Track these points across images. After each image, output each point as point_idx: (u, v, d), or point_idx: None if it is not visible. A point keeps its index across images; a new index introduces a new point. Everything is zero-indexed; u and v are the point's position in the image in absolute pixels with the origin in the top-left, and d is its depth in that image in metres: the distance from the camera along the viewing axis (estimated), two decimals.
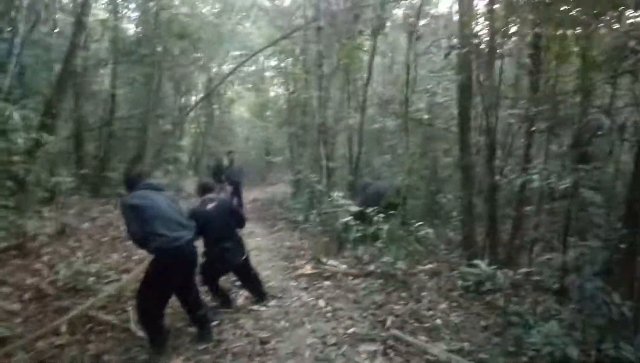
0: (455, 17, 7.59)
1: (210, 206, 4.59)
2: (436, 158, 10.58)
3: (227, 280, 5.51)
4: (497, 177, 6.38)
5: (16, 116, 4.75)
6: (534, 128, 5.98)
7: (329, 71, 11.05)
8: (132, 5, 11.02)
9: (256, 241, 8.48)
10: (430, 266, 6.59)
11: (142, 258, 6.63)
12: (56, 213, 7.85)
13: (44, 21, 7.75)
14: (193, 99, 25.49)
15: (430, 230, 6.83)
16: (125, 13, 11.34)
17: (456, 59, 6.45)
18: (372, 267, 6.13)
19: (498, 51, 5.83)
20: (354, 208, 7.18)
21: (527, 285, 5.64)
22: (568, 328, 3.46)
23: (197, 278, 4.30)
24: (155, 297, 3.71)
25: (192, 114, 27.02)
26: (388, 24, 9.05)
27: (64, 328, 3.91)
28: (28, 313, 4.10)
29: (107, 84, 12.26)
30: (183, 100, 20.52)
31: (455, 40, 5.27)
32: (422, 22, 8.64)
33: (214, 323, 4.45)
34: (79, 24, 7.02)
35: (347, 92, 12.01)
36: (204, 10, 18.99)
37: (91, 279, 5.10)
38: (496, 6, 5.31)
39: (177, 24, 10.85)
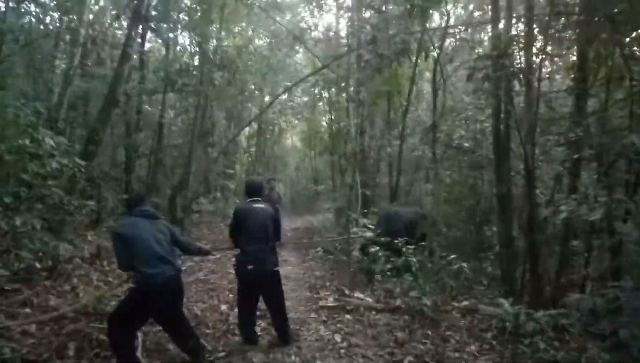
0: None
1: (255, 205, 4.51)
2: (480, 188, 10.07)
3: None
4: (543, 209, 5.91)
5: (48, 140, 5.02)
6: (577, 156, 5.51)
7: (368, 98, 10.95)
8: (180, 37, 11.56)
9: (287, 269, 8.35)
10: (465, 303, 6.14)
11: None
12: (98, 236, 8.17)
13: (92, 54, 8.34)
14: (246, 129, 26.43)
15: (464, 264, 6.40)
16: (170, 45, 11.93)
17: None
18: (398, 302, 5.79)
19: (535, 74, 5.46)
20: (369, 234, 6.89)
21: (572, 329, 5.11)
22: None
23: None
24: (124, 325, 3.67)
25: (244, 144, 28.09)
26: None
27: (71, 352, 3.94)
28: (42, 335, 4.18)
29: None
30: (234, 130, 21.15)
31: (486, 63, 4.97)
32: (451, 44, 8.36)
33: (221, 354, 4.33)
34: (124, 55, 7.45)
35: (388, 121, 11.86)
36: (257, 42, 19.80)
37: (113, 303, 5.15)
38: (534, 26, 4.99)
39: (221, 55, 11.26)
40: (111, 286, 5.90)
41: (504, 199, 6.17)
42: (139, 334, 4.36)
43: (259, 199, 4.60)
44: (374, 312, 5.62)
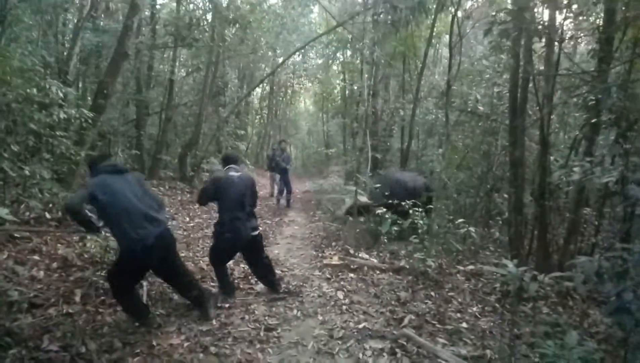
0: None
1: (233, 174, 4.55)
2: (494, 154, 9.87)
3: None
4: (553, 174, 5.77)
5: (56, 90, 4.96)
6: (595, 120, 5.30)
7: (382, 59, 10.66)
8: None
9: (293, 229, 8.41)
10: (470, 267, 6.13)
11: (177, 238, 6.78)
12: None
13: (102, 6, 8.17)
14: (258, 89, 26.13)
15: (472, 229, 6.35)
16: None
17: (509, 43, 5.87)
18: (403, 263, 5.79)
19: (558, 32, 5.20)
20: (363, 199, 6.84)
21: (576, 294, 5.08)
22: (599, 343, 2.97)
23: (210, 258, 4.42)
24: (122, 281, 3.65)
25: (256, 105, 27.84)
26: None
27: (77, 298, 4.02)
28: (50, 281, 4.26)
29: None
30: (246, 90, 20.89)
31: (506, 17, 4.72)
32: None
33: (225, 305, 4.40)
34: (132, 7, 7.27)
35: (402, 83, 11.57)
36: (270, 1, 19.26)
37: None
38: None
39: (233, 10, 10.97)
40: None
41: (517, 164, 6.02)
42: (144, 283, 4.43)
43: (236, 166, 4.67)
44: (377, 272, 5.63)
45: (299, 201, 12.65)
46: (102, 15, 9.12)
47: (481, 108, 8.66)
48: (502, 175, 9.49)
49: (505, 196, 8.86)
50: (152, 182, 10.39)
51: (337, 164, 17.90)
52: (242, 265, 5.59)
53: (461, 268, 6.07)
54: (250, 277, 5.19)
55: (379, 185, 7.52)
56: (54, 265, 4.71)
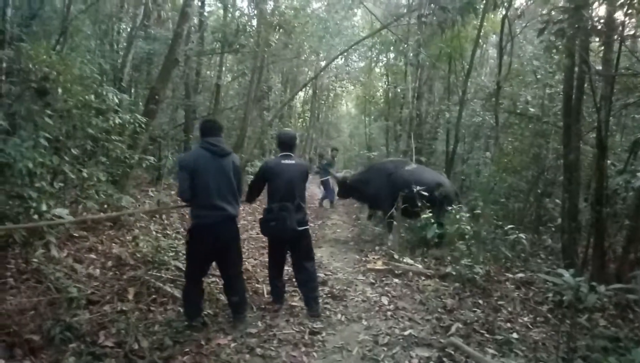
0: None
1: (286, 161, 4.23)
2: (545, 157, 9.47)
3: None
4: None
5: (112, 97, 5.22)
6: None
7: (427, 61, 10.50)
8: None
9: (336, 232, 8.41)
10: (520, 275, 5.90)
11: None
12: (158, 192, 8.56)
13: (154, 15, 8.52)
14: (300, 93, 26.39)
15: (522, 235, 6.11)
16: (229, 6, 11.92)
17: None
18: (449, 269, 5.65)
19: (617, 30, 4.92)
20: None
21: (637, 306, 4.78)
22: None
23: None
24: (189, 267, 3.82)
25: (299, 109, 28.13)
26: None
27: (130, 296, 4.19)
28: (105, 279, 4.46)
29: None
30: (289, 94, 21.14)
31: (562, 16, 4.52)
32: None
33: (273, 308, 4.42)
34: (182, 15, 7.52)
35: (447, 85, 11.34)
36: (314, 5, 19.41)
37: (170, 254, 5.40)
38: None
39: (278, 15, 11.14)
40: (169, 238, 6.20)
41: (572, 168, 5.74)
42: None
43: (291, 154, 4.30)
44: (423, 278, 5.53)
45: (341, 204, 12.64)
46: (154, 24, 9.49)
47: (532, 110, 8.32)
48: (554, 179, 9.11)
49: (557, 201, 8.51)
50: None
51: None
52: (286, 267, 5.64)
53: (510, 275, 5.85)
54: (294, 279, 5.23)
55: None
56: (109, 263, 4.93)
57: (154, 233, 6.09)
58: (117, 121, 5.43)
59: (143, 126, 6.12)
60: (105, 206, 6.21)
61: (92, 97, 5.16)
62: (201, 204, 3.64)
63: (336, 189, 12.03)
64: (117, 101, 5.34)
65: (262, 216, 4.24)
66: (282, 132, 4.56)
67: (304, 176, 4.32)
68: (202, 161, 3.61)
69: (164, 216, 7.33)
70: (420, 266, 6.03)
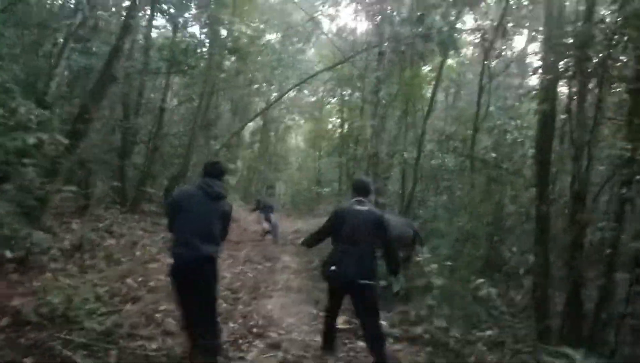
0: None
1: (359, 207, 3.97)
2: (500, 204, 9.34)
3: None
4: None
5: (24, 111, 4.24)
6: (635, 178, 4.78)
7: (386, 99, 10.21)
8: (188, 15, 10.73)
9: (288, 277, 7.58)
10: (489, 332, 5.39)
11: (158, 285, 5.94)
12: (82, 225, 7.40)
13: (90, 24, 7.57)
14: (250, 124, 25.70)
15: (493, 290, 5.64)
16: (179, 26, 11.13)
17: (538, 87, 5.39)
18: (419, 330, 5.01)
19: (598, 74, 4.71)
20: None
21: None
22: None
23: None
24: (180, 308, 3.65)
25: (247, 139, 27.33)
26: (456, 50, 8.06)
27: None
28: None
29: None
30: (239, 123, 20.42)
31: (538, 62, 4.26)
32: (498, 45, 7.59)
33: None
34: (125, 28, 6.67)
35: (404, 124, 11.09)
36: (268, 36, 19.09)
37: (87, 307, 4.38)
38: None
39: (233, 40, 10.50)
40: (86, 286, 5.14)
41: (545, 221, 5.40)
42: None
43: (364, 200, 4.03)
44: (391, 340, 4.84)
45: (291, 242, 11.84)
46: (89, 34, 8.44)
47: (494, 155, 8.14)
48: (511, 227, 8.94)
49: (513, 249, 8.29)
50: (134, 217, 9.53)
51: (330, 204, 17.21)
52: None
53: (480, 333, 5.33)
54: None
55: None
56: (3, 321, 3.84)
57: (66, 280, 4.98)
58: (31, 140, 4.41)
59: (64, 147, 5.10)
60: (12, 242, 5.08)
61: (0, 110, 4.14)
62: (178, 241, 3.57)
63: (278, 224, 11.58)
64: (31, 117, 4.34)
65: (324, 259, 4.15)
66: (358, 178, 4.96)
67: (378, 225, 3.97)
68: (191, 199, 3.61)
69: (86, 256, 6.21)
70: (385, 323, 5.34)
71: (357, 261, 3.81)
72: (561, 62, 4.87)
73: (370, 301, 3.88)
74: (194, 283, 3.51)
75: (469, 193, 9.20)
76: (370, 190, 4.21)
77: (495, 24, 8.27)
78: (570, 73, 4.46)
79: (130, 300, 5.21)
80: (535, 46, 12.60)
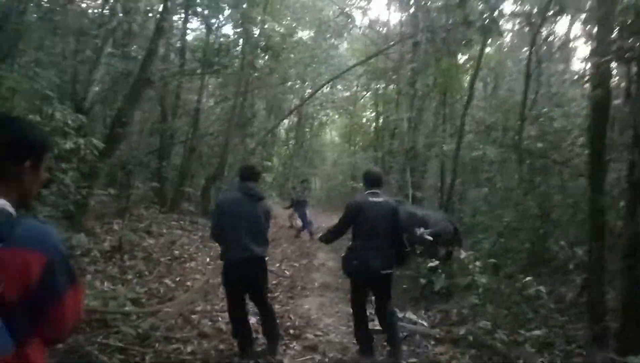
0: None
1: (374, 199, 4.00)
2: (547, 195, 8.85)
3: None
4: None
5: (60, 116, 4.30)
6: None
7: (423, 90, 9.89)
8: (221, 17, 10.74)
9: (325, 276, 7.46)
10: (537, 332, 5.08)
11: (195, 284, 5.96)
12: (122, 226, 7.55)
13: (124, 29, 7.69)
14: (285, 121, 25.79)
15: (542, 288, 5.31)
16: (212, 27, 11.18)
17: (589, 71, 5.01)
18: (462, 331, 4.77)
19: None
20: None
21: None
22: None
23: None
24: (227, 303, 4.03)
25: (283, 136, 27.44)
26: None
27: None
28: None
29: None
30: (274, 121, 20.50)
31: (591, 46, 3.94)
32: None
33: None
34: (158, 31, 6.71)
35: (442, 116, 10.73)
36: (300, 33, 19.01)
37: (127, 308, 4.42)
38: None
39: (265, 38, 10.46)
40: (127, 286, 5.20)
41: (601, 215, 5.01)
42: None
43: (378, 192, 4.06)
44: (432, 342, 4.63)
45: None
46: (122, 38, 8.60)
47: (539, 145, 7.70)
48: (560, 220, 8.47)
49: (562, 243, 7.84)
50: (173, 216, 9.68)
51: None
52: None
53: (527, 334, 5.03)
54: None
55: None
56: None
57: (105, 283, 5.05)
58: (68, 145, 4.48)
59: (98, 152, 5.16)
60: None
61: (37, 116, 4.21)
62: (231, 243, 3.81)
63: (313, 219, 11.57)
64: (69, 121, 4.39)
65: (344, 256, 4.19)
66: (369, 169, 4.77)
67: (394, 213, 4.08)
68: (235, 203, 3.86)
69: (125, 257, 6.31)
70: (425, 324, 5.15)
71: (378, 253, 3.89)
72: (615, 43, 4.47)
73: (388, 287, 4.13)
74: (248, 282, 3.88)
75: (512, 185, 8.80)
76: (383, 181, 4.30)
77: (536, 8, 7.85)
78: (629, 54, 4.06)
79: (166, 300, 5.24)
80: (577, 29, 11.95)
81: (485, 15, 5.52)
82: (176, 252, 7.39)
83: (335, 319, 5.32)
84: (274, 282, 6.77)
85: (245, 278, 3.83)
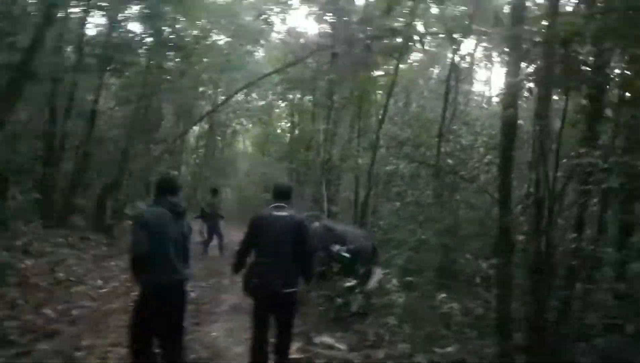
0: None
1: (277, 213, 3.74)
2: (454, 210, 9.21)
3: None
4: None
5: None
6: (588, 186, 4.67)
7: (339, 103, 9.83)
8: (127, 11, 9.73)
9: (235, 297, 6.91)
10: (450, 349, 5.06)
11: (79, 315, 5.15)
12: None
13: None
14: (195, 128, 24.64)
15: (455, 305, 5.34)
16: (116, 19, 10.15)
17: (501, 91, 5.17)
18: (381, 354, 4.58)
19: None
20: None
21: None
22: None
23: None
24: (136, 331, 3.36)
25: (193, 144, 26.19)
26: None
27: None
28: None
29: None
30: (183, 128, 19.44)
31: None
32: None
33: None
34: (47, 18, 5.81)
35: (357, 129, 10.76)
36: (215, 37, 18.27)
37: None
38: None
39: (176, 38, 9.73)
40: None
41: (507, 231, 5.15)
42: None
43: (284, 205, 3.79)
44: None
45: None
46: (11, 29, 7.40)
47: (450, 161, 7.94)
48: (468, 234, 8.81)
49: (468, 256, 8.14)
50: (60, 232, 8.51)
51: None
52: None
53: (440, 351, 4.99)
54: None
55: None
56: None
57: None
58: None
59: None
60: None
61: None
62: (155, 265, 3.27)
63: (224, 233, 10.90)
64: None
65: (246, 271, 3.86)
66: (278, 183, 4.63)
67: (299, 230, 3.79)
68: (162, 219, 3.36)
69: None
70: (343, 347, 4.88)
71: (281, 271, 3.65)
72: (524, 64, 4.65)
73: (291, 313, 3.84)
74: (169, 308, 3.35)
75: (423, 200, 9.01)
76: (291, 195, 4.05)
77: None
78: (536, 76, 4.20)
79: (45, 335, 4.42)
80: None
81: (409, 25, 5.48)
82: (60, 274, 6.43)
83: (246, 347, 4.83)
84: None
85: (168, 306, 3.33)
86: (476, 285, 7.16)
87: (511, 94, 4.64)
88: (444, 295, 5.38)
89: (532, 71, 4.46)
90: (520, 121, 5.75)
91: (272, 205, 3.84)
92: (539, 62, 4.32)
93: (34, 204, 8.50)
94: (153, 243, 3.25)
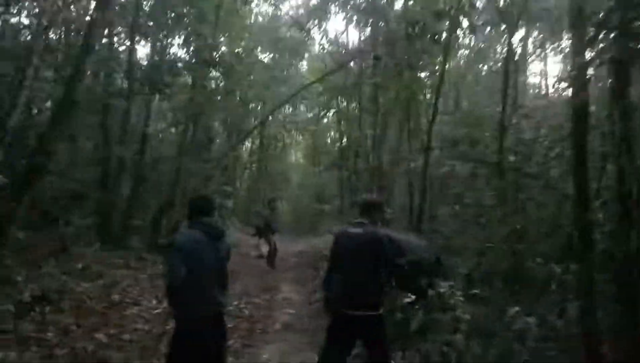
0: None
1: (354, 230, 3.58)
2: (520, 210, 8.46)
3: None
4: None
5: None
6: None
7: (385, 107, 9.42)
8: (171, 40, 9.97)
9: (288, 314, 6.65)
10: None
11: (130, 339, 5.06)
12: (52, 269, 6.57)
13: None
14: (247, 143, 25.05)
15: (531, 320, 4.73)
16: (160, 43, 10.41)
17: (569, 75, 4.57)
18: None
19: None
20: None
21: None
22: None
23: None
24: None
25: (245, 159, 26.63)
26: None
27: None
28: None
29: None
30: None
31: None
32: None
33: None
34: (85, 48, 5.89)
35: (406, 132, 10.27)
36: (259, 55, 18.50)
37: None
38: None
39: (218, 57, 9.78)
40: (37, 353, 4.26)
41: (588, 233, 4.51)
42: None
43: (364, 221, 3.58)
44: None
45: (292, 267, 10.92)
46: (55, 60, 7.69)
47: (512, 158, 7.29)
48: (537, 236, 8.05)
49: (539, 260, 7.40)
50: (117, 253, 8.67)
51: (333, 221, 16.28)
52: None
53: None
54: None
55: None
56: None
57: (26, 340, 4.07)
58: None
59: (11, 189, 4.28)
60: None
61: None
62: (193, 295, 3.07)
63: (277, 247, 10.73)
64: None
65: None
66: (364, 197, 4.66)
67: (378, 247, 3.54)
68: (199, 244, 3.16)
69: (47, 309, 5.33)
70: None
71: (358, 290, 3.44)
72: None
73: (376, 333, 3.59)
74: (207, 344, 3.12)
75: (483, 201, 8.37)
76: (374, 209, 3.76)
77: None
78: (612, 50, 3.61)
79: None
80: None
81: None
82: (116, 297, 6.44)
83: None
84: (229, 325, 5.93)
85: (206, 342, 3.09)
86: (551, 293, 6.46)
87: (581, 75, 4.05)
88: (516, 308, 4.78)
89: (606, 45, 3.87)
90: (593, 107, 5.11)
91: (354, 221, 3.70)
92: (613, 34, 3.73)
93: (93, 228, 8.74)
94: (189, 272, 3.02)
